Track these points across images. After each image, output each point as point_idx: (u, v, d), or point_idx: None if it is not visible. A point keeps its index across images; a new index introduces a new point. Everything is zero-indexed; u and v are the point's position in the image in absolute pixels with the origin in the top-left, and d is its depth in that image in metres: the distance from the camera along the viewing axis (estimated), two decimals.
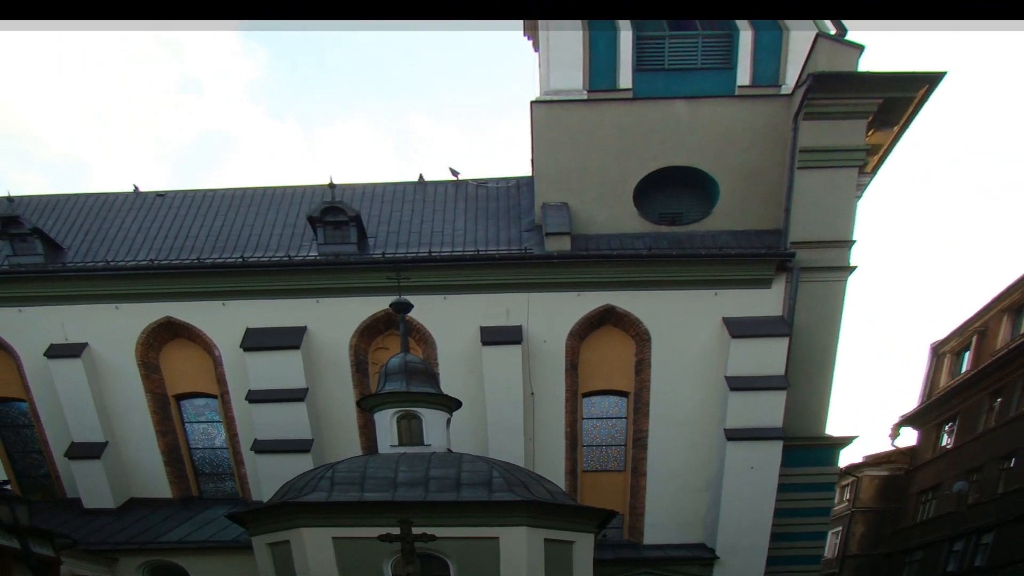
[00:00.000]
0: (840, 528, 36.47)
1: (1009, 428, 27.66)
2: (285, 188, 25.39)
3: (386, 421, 18.79)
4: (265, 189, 25.42)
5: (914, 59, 69.67)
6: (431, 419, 18.80)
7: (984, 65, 60.74)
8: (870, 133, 21.39)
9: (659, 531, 22.48)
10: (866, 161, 21.94)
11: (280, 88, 72.79)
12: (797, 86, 21.42)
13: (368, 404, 19.32)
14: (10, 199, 23.97)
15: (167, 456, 23.30)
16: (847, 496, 36.79)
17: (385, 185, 25.11)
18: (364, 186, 25.10)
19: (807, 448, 22.07)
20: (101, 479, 22.61)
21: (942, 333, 34.34)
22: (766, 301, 21.66)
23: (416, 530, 14.53)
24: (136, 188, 25.89)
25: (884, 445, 36.67)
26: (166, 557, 20.83)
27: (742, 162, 22.06)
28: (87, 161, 70.47)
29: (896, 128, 21.62)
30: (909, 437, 35.37)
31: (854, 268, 21.56)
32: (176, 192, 25.65)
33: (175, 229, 24.16)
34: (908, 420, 34.71)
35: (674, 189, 22.89)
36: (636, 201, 22.56)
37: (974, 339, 31.76)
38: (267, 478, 21.22)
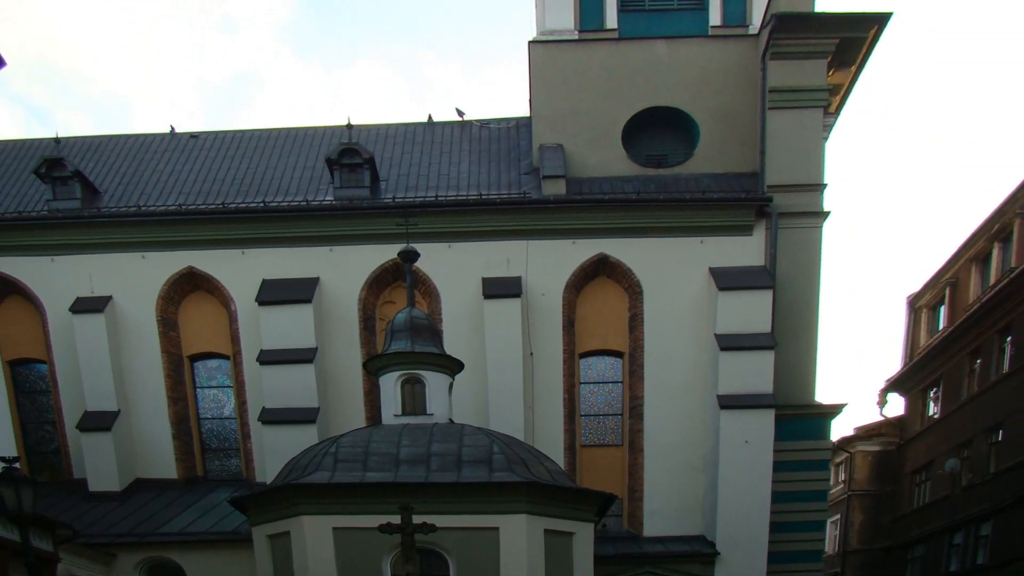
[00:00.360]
0: (838, 516, 35.75)
1: (993, 394, 26.69)
2: (307, 129, 26.40)
3: (390, 386, 19.07)
4: (288, 130, 26.38)
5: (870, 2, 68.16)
6: (434, 384, 19.08)
7: (952, 8, 60.46)
8: (830, 73, 22.94)
9: (659, 519, 22.73)
10: (829, 101, 23.48)
11: (308, 28, 73.20)
12: (762, 26, 22.86)
13: (373, 366, 19.59)
14: (57, 140, 25.27)
15: (176, 427, 23.65)
16: (842, 477, 35.94)
17: (397, 126, 26.22)
18: (379, 127, 26.15)
19: (798, 418, 22.39)
20: (109, 456, 22.78)
21: (918, 285, 32.74)
22: (749, 250, 22.42)
23: (416, 519, 14.42)
24: (172, 129, 27.20)
25: (873, 414, 36.38)
26: (164, 553, 20.91)
27: (718, 103, 23.34)
28: (129, 99, 71.82)
29: (853, 68, 23.23)
30: (896, 405, 34.68)
31: (828, 213, 22.39)
32: (208, 133, 26.74)
33: (204, 172, 25.01)
34: (893, 385, 33.80)
35: (659, 130, 23.94)
36: (624, 143, 23.60)
37: (947, 292, 30.18)
38: (272, 453, 21.48)
